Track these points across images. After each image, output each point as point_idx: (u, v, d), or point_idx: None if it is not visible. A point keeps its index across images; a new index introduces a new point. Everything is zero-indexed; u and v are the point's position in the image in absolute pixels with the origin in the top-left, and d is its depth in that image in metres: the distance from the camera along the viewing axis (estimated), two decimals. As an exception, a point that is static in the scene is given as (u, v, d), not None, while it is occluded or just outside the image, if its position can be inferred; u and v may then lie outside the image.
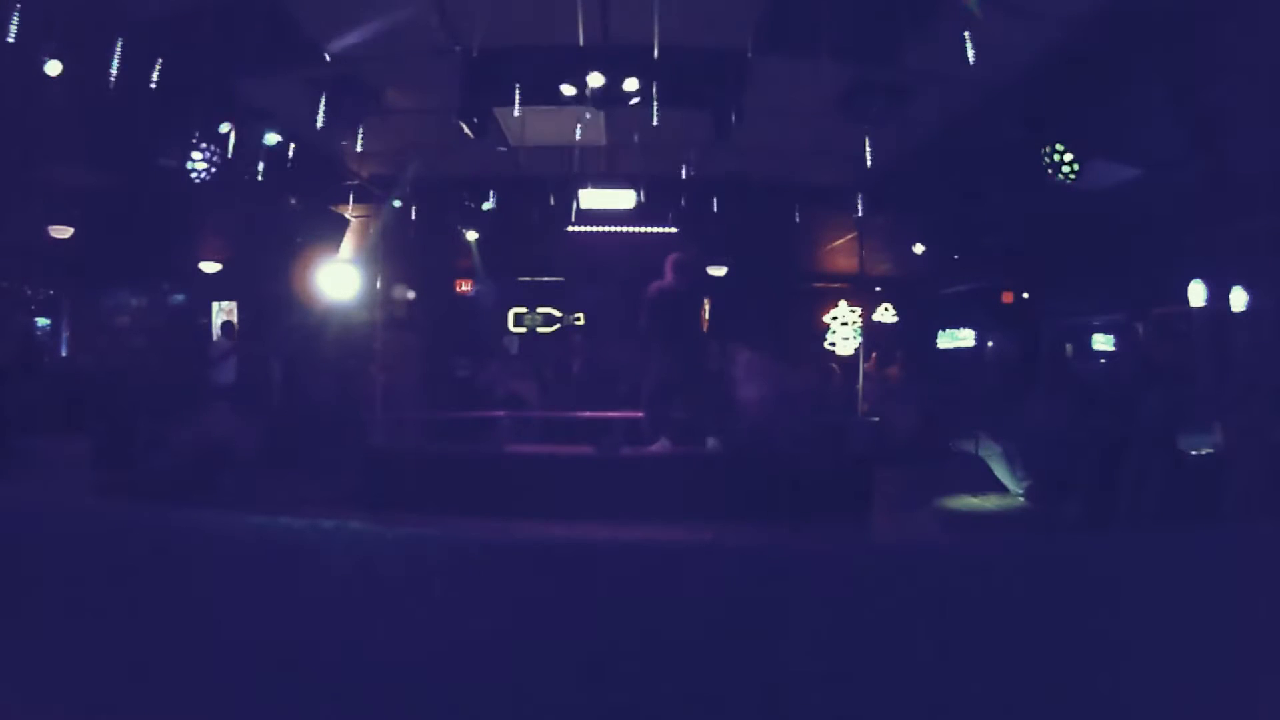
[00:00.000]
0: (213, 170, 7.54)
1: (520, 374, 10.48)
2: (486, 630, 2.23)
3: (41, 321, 10.96)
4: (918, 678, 2.16)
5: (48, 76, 5.84)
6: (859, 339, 12.04)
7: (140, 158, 7.74)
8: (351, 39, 6.30)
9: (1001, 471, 7.12)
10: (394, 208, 9.68)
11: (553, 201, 10.15)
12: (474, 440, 8.51)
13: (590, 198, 9.94)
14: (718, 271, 11.33)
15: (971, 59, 6.13)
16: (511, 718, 2.18)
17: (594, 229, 10.83)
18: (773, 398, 8.27)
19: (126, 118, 6.64)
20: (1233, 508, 5.14)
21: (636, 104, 6.89)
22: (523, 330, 12.91)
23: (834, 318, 13.07)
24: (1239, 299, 8.11)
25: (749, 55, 6.25)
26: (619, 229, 10.88)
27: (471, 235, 11.23)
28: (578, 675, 2.16)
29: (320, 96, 7.09)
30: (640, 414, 8.06)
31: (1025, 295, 12.15)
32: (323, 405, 9.07)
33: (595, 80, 6.59)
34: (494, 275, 12.25)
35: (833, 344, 12.91)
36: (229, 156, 7.60)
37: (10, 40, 5.39)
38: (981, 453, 7.34)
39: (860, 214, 10.30)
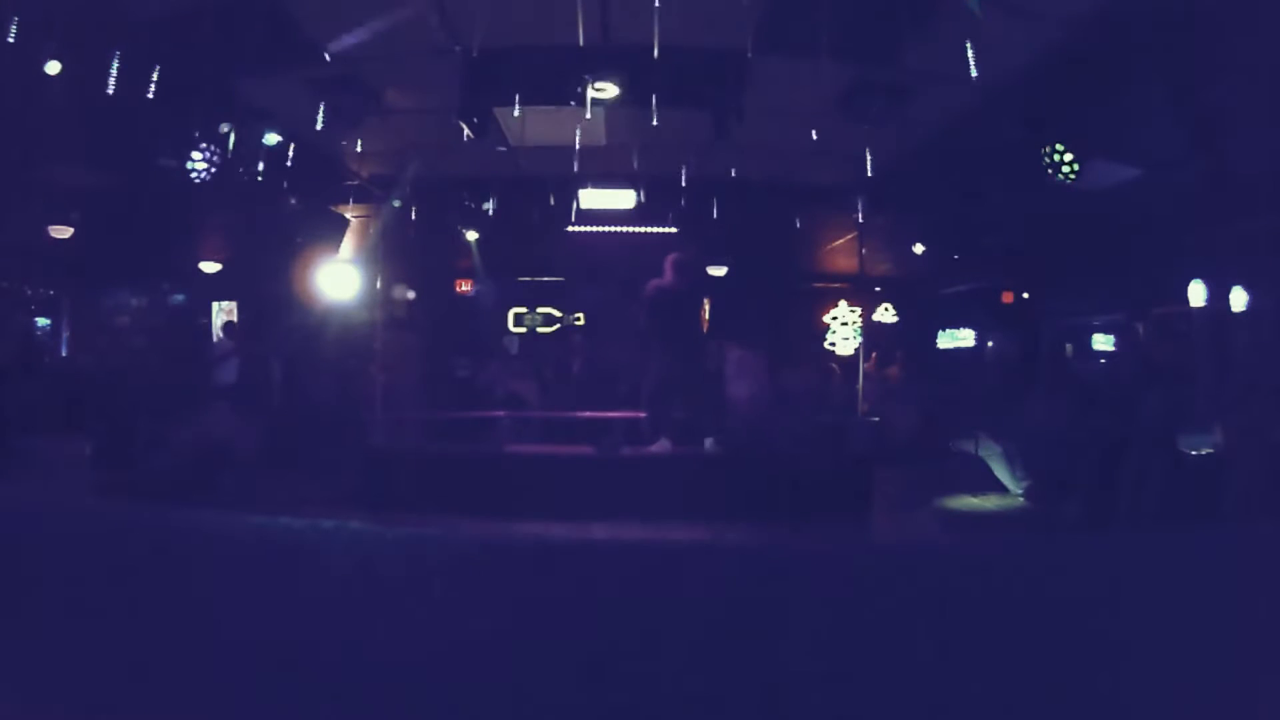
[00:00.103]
0: (213, 170, 7.53)
1: (520, 374, 10.48)
2: (486, 630, 2.23)
3: (41, 321, 10.96)
4: (918, 678, 2.16)
5: (48, 76, 5.84)
6: (859, 339, 12.05)
7: (140, 158, 7.74)
8: (351, 39, 6.30)
9: (1001, 471, 7.12)
10: (394, 208, 9.68)
11: (553, 201, 10.15)
12: (474, 440, 8.51)
13: (590, 198, 9.94)
14: (718, 271, 11.33)
15: (971, 59, 6.14)
16: (511, 718, 2.18)
17: (594, 229, 10.83)
18: (764, 395, 8.31)
19: (126, 118, 6.64)
20: (1233, 508, 5.13)
21: (636, 104, 6.89)
22: (523, 330, 12.91)
23: (834, 318, 13.07)
24: (1239, 299, 8.11)
25: (749, 55, 6.24)
26: (619, 229, 10.88)
27: (471, 235, 11.24)
28: (578, 675, 2.16)
29: (320, 96, 7.08)
30: (640, 414, 8.08)
31: (1025, 295, 12.15)
32: (323, 405, 9.07)
33: (595, 80, 6.59)
34: (494, 275, 12.25)
35: (833, 344, 12.91)
36: (229, 156, 7.60)
37: (10, 40, 5.38)
38: (981, 453, 7.33)
39: (860, 214, 10.30)
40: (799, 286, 13.16)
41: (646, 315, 7.14)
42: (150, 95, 6.43)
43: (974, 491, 6.96)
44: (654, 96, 6.73)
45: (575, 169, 9.29)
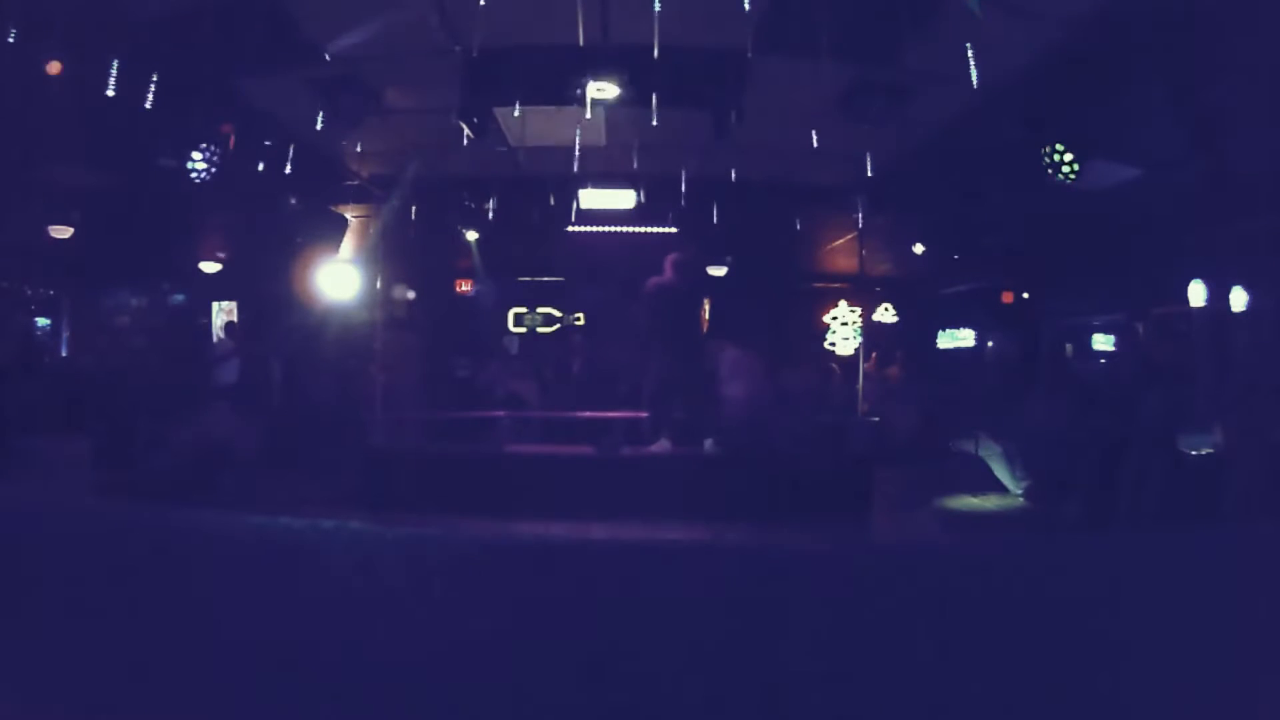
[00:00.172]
0: (213, 170, 7.53)
1: (520, 374, 10.48)
2: (486, 630, 2.23)
3: (41, 321, 10.96)
4: (918, 678, 2.16)
5: (48, 76, 5.84)
6: (859, 339, 12.05)
7: (140, 158, 7.74)
8: (351, 39, 6.30)
9: (1001, 471, 7.12)
10: (394, 208, 9.68)
11: (553, 201, 10.15)
12: (474, 440, 8.51)
13: (590, 198, 9.95)
14: (718, 271, 11.33)
15: (971, 59, 6.14)
16: (511, 718, 2.18)
17: (594, 229, 10.83)
18: (757, 395, 8.31)
19: (126, 118, 6.64)
20: (1233, 508, 5.14)
21: (636, 104, 6.89)
22: (523, 330, 12.91)
23: (834, 318, 13.07)
24: (1239, 299, 8.11)
25: (749, 55, 6.24)
26: (619, 229, 10.88)
27: (471, 235, 11.24)
28: (578, 675, 2.16)
29: (320, 96, 7.08)
30: (639, 414, 8.07)
31: (1025, 295, 12.15)
32: (323, 405, 9.07)
33: (595, 80, 6.59)
34: (494, 275, 12.25)
35: (833, 344, 12.91)
36: (229, 156, 7.60)
37: (10, 40, 5.38)
38: (981, 453, 7.34)
39: (860, 214, 10.30)
40: (799, 286, 13.16)
41: (646, 313, 7.14)
42: (150, 95, 6.43)
43: (974, 491, 6.96)
44: (654, 96, 6.73)
45: (575, 169, 9.29)
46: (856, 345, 11.95)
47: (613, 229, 10.89)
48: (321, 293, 8.86)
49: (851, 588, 2.25)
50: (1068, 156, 7.01)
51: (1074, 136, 6.98)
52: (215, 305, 11.85)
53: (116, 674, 2.37)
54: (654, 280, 7.20)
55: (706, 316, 7.59)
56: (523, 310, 12.99)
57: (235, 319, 11.44)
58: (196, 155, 7.45)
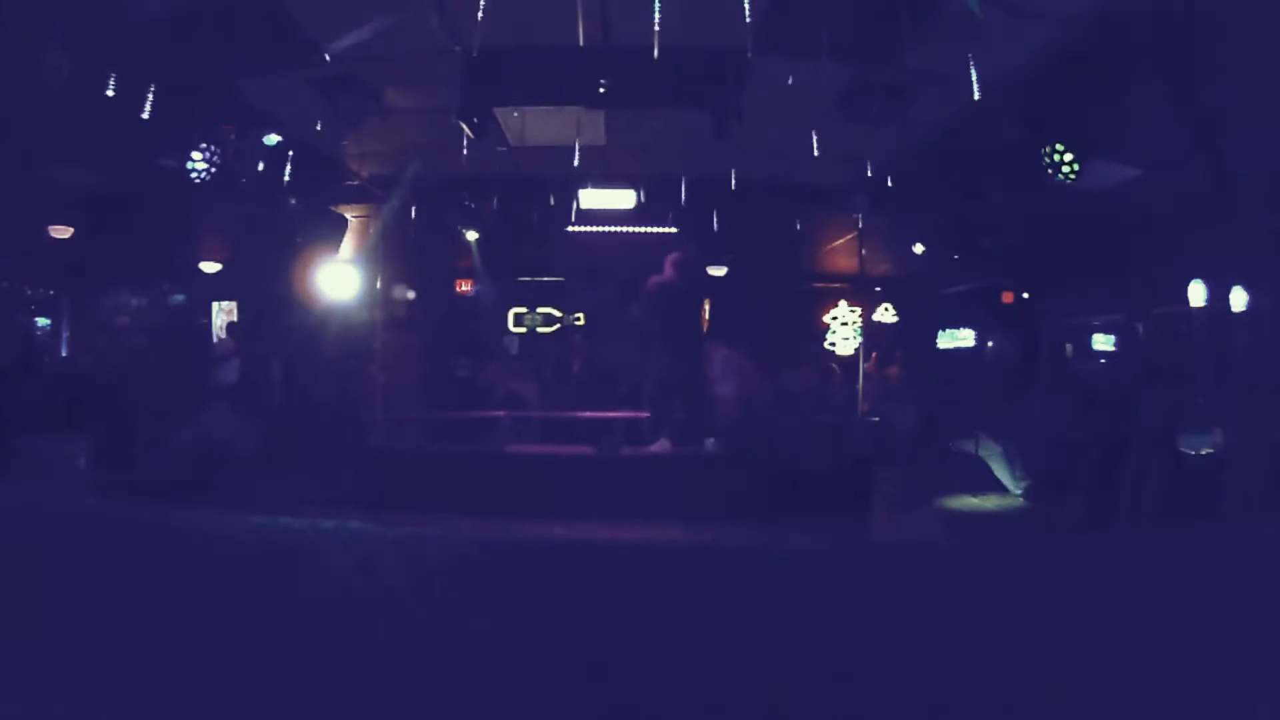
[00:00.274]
0: (213, 170, 7.53)
1: (520, 374, 10.48)
2: (486, 630, 2.23)
3: (41, 321, 10.96)
4: (918, 678, 2.16)
5: (48, 76, 5.84)
6: (859, 339, 12.05)
7: (140, 158, 7.74)
8: (351, 39, 6.30)
9: (1001, 471, 7.12)
10: (394, 208, 9.68)
11: (553, 201, 10.14)
12: (474, 440, 8.51)
13: (590, 198, 9.94)
14: (718, 271, 11.33)
15: (971, 59, 6.14)
16: (511, 718, 2.18)
17: (594, 229, 10.83)
18: (748, 394, 8.32)
19: (126, 118, 6.64)
20: (1233, 508, 5.14)
21: (636, 104, 6.89)
22: (523, 330, 12.91)
23: (834, 318, 13.07)
24: (1239, 299, 8.11)
25: (749, 55, 6.24)
26: (619, 229, 10.88)
27: (471, 235, 11.24)
28: (578, 675, 2.16)
29: (320, 96, 7.08)
30: (639, 413, 8.08)
31: (1025, 295, 12.15)
32: (323, 405, 9.07)
33: (595, 80, 6.59)
34: (494, 275, 12.25)
35: (833, 344, 12.91)
36: (229, 156, 7.60)
37: (10, 40, 5.38)
38: (981, 453, 7.34)
39: (860, 214, 10.30)
40: (799, 286, 13.15)
41: (646, 312, 7.15)
42: (150, 95, 6.43)
43: (974, 491, 6.96)
44: (654, 96, 6.73)
45: (575, 169, 9.29)
46: (856, 345, 11.95)
47: (613, 229, 10.88)
48: (321, 293, 8.87)
49: (851, 588, 2.25)
50: (1068, 156, 7.01)
51: (1074, 136, 6.99)
52: (215, 305, 11.85)
53: (116, 674, 2.37)
54: (654, 279, 7.20)
55: (706, 316, 7.60)
56: (523, 310, 12.99)
57: (235, 319, 11.44)
58: (196, 155, 7.45)
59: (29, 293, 10.82)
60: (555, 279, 12.90)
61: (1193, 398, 6.98)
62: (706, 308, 7.63)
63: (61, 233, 9.55)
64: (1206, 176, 7.09)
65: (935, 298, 12.76)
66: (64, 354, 11.02)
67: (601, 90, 6.66)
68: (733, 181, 9.53)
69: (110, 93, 6.08)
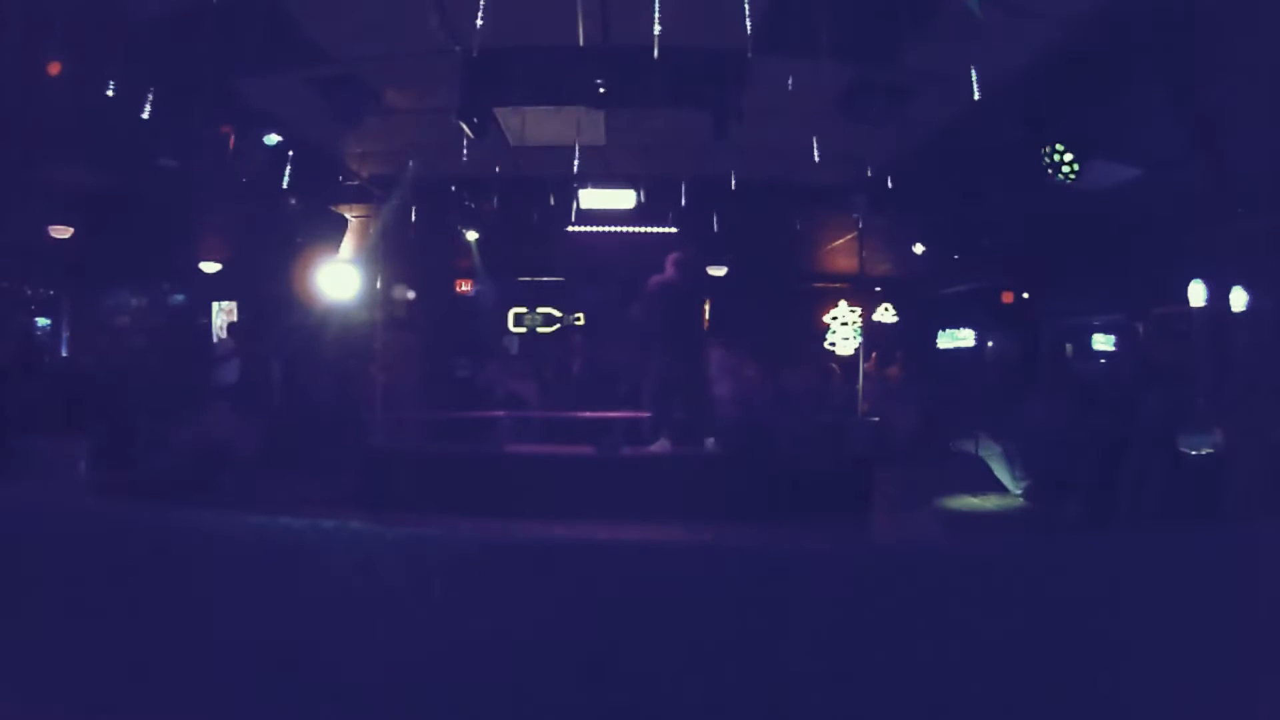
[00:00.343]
0: (213, 170, 7.54)
1: (520, 374, 10.49)
2: (486, 630, 2.23)
3: (41, 321, 10.95)
4: (918, 678, 2.16)
5: (48, 76, 5.84)
6: (859, 339, 12.05)
7: (140, 158, 7.74)
8: (351, 39, 6.30)
9: (1001, 471, 7.13)
10: (394, 208, 9.68)
11: (553, 201, 10.14)
12: (474, 440, 8.51)
13: (590, 198, 9.94)
14: (718, 271, 11.34)
15: (971, 59, 6.14)
16: (511, 718, 2.18)
17: (594, 229, 10.83)
18: (743, 394, 8.33)
19: (126, 118, 6.64)
20: (1233, 508, 5.14)
21: (636, 104, 6.89)
22: (523, 330, 12.91)
23: (834, 318, 13.07)
24: (1239, 299, 8.11)
25: (749, 55, 6.24)
26: (619, 229, 10.88)
27: (471, 235, 11.24)
28: (578, 675, 2.16)
29: (320, 96, 7.08)
30: (639, 413, 8.08)
31: (1025, 295, 12.15)
32: (323, 405, 9.07)
33: (595, 80, 6.59)
34: (494, 275, 12.25)
35: (833, 344, 12.91)
36: (229, 156, 7.60)
37: (10, 40, 5.38)
38: (981, 453, 7.34)
39: (860, 214, 10.29)
40: (799, 286, 13.15)
41: (647, 312, 7.15)
42: (150, 95, 6.42)
43: (974, 491, 6.96)
44: (654, 96, 6.73)
45: (575, 169, 9.28)
46: (856, 345, 11.95)
47: (613, 229, 10.88)
48: (321, 293, 8.87)
49: (851, 588, 2.25)
50: (1068, 156, 7.01)
51: (1074, 136, 6.98)
52: (215, 305, 11.85)
53: (116, 674, 2.37)
54: (656, 279, 7.21)
55: (707, 316, 7.60)
56: (523, 310, 13.00)
57: (236, 319, 11.44)
58: (196, 155, 7.45)
59: (29, 293, 10.82)
60: (555, 279, 12.90)
61: (1193, 398, 6.98)
62: (707, 308, 7.62)
63: (61, 233, 9.55)
64: (1206, 176, 7.09)
65: (935, 298, 12.77)
66: (64, 354, 11.02)
67: (601, 90, 6.66)
68: (733, 181, 9.53)
69: (110, 93, 6.08)
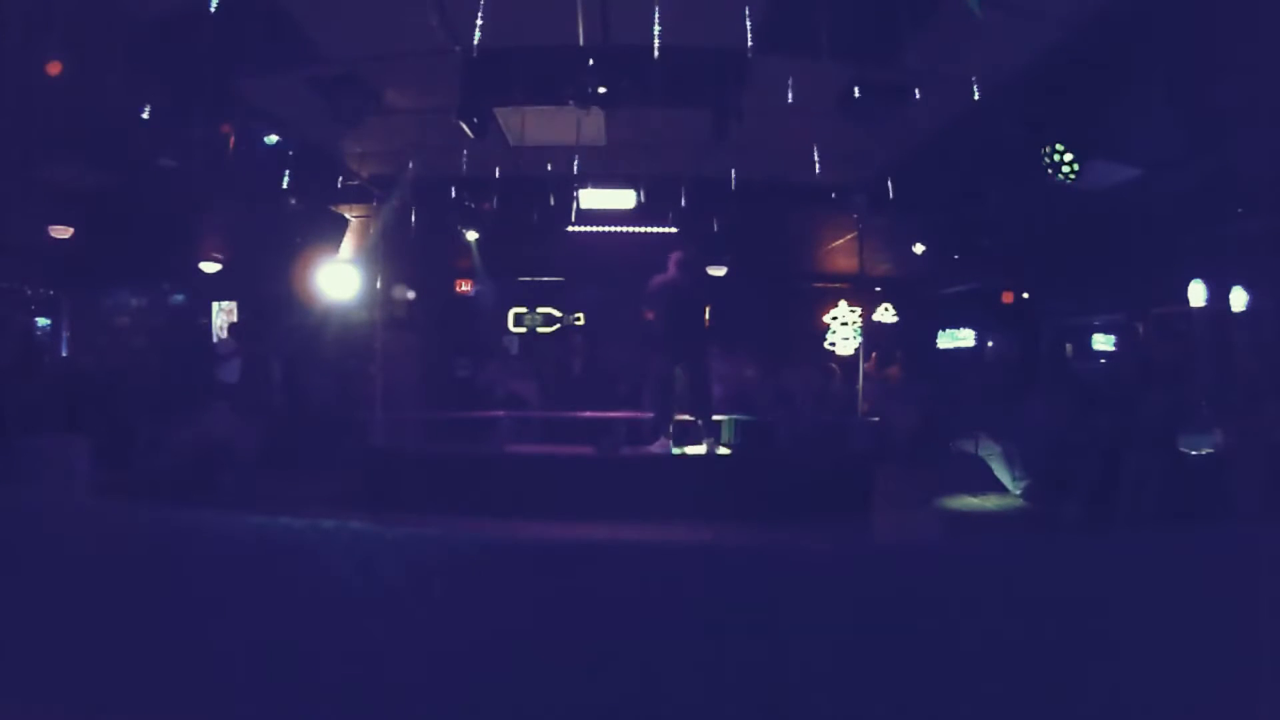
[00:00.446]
0: (212, 170, 7.54)
1: (520, 374, 10.49)
2: (486, 630, 2.23)
3: (41, 321, 10.95)
4: (918, 677, 2.16)
5: (48, 76, 5.84)
6: (859, 339, 12.05)
7: (140, 158, 7.74)
8: (352, 39, 6.30)
9: (1001, 471, 7.13)
10: (394, 208, 9.68)
11: (553, 201, 10.15)
12: (474, 440, 8.52)
13: (590, 198, 9.94)
14: (718, 271, 11.34)
15: (971, 59, 6.14)
16: (511, 718, 2.18)
17: (594, 229, 10.83)
18: (733, 396, 8.33)
19: (126, 118, 6.64)
20: (1233, 508, 5.14)
21: (636, 104, 6.89)
22: (523, 330, 12.91)
23: (834, 318, 13.07)
24: (1239, 299, 8.11)
25: (749, 55, 6.24)
26: (619, 229, 10.88)
27: (471, 235, 11.24)
28: (578, 675, 2.16)
29: (320, 96, 7.09)
30: (639, 414, 8.08)
31: (1025, 295, 12.14)
32: (323, 405, 9.08)
33: (595, 80, 6.59)
34: (494, 275, 12.25)
35: (833, 344, 12.91)
36: (229, 156, 7.60)
37: (10, 40, 5.38)
38: (981, 453, 7.34)
39: (860, 214, 10.29)
40: (799, 286, 13.15)
41: (650, 310, 7.17)
42: (150, 95, 6.42)
43: (974, 491, 6.97)
44: (654, 96, 6.73)
45: (575, 169, 9.29)
46: (856, 345, 11.95)
47: (613, 229, 10.88)
48: (321, 293, 8.87)
49: (851, 588, 2.25)
50: (1068, 156, 7.01)
51: (1074, 136, 6.98)
52: (215, 305, 11.85)
53: (116, 674, 2.37)
54: (658, 278, 7.22)
55: (708, 317, 7.60)
56: (523, 310, 12.99)
57: (236, 319, 11.44)
58: (196, 155, 7.45)
59: (29, 293, 10.82)
60: (555, 279, 12.90)
61: (1193, 398, 6.98)
62: (708, 310, 7.62)
63: (61, 233, 9.54)
64: (1206, 176, 7.09)
65: (935, 298, 12.76)
66: (64, 354, 11.01)
67: (601, 90, 6.66)
68: (733, 181, 9.53)
69: (110, 93, 6.08)
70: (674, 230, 10.62)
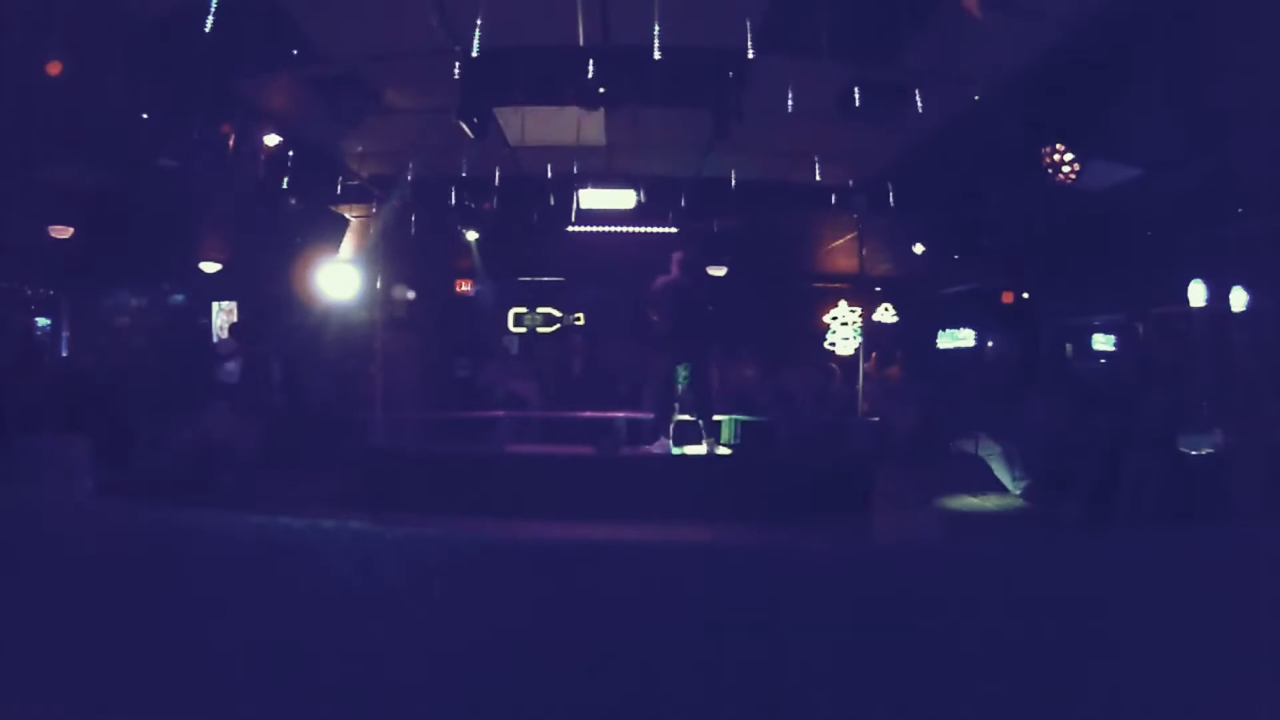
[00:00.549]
0: (213, 170, 7.54)
1: (520, 374, 10.49)
2: (486, 630, 2.23)
3: (41, 321, 10.95)
4: (918, 678, 2.16)
5: (48, 76, 5.84)
6: (859, 339, 12.05)
7: (140, 158, 7.74)
8: (351, 39, 6.30)
9: (1001, 471, 7.13)
10: (394, 208, 9.68)
11: (553, 201, 10.15)
12: (474, 440, 8.52)
13: (590, 198, 9.95)
14: (718, 271, 11.34)
15: (971, 59, 6.14)
16: (511, 718, 2.18)
17: (594, 229, 10.84)
18: (745, 395, 8.32)
19: (126, 118, 6.64)
20: (1233, 508, 5.14)
21: (636, 104, 6.89)
22: (523, 330, 12.92)
23: (834, 318, 13.07)
24: (1239, 299, 8.11)
25: (749, 55, 6.24)
26: (619, 229, 10.88)
27: (471, 235, 11.24)
28: (578, 675, 2.16)
29: (320, 96, 7.09)
30: (639, 414, 8.08)
31: (1025, 295, 12.15)
32: (323, 405, 9.08)
33: (595, 80, 6.59)
34: (494, 275, 12.25)
35: (833, 344, 12.91)
36: (229, 156, 7.60)
37: (10, 40, 5.38)
38: (981, 453, 7.35)
39: (860, 214, 10.30)
40: (799, 286, 13.15)
41: (653, 310, 7.17)
42: (150, 95, 6.42)
43: (974, 491, 6.97)
44: (654, 96, 6.73)
45: (575, 169, 9.29)
46: (856, 345, 11.95)
47: (613, 229, 10.89)
48: (321, 293, 8.87)
49: (851, 588, 2.25)
50: (1068, 156, 7.01)
51: (1074, 136, 6.98)
52: (215, 305, 11.84)
53: (116, 674, 2.37)
54: (662, 279, 7.22)
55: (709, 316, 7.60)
56: (523, 310, 13.00)
57: (236, 319, 11.44)
58: (197, 155, 7.44)
59: (29, 293, 10.81)
60: (555, 279, 12.90)
61: (1193, 398, 6.98)
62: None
63: (61, 233, 9.54)
64: (1206, 176, 7.09)
65: (935, 298, 12.76)
66: (64, 354, 11.01)
67: (601, 90, 6.66)
68: (733, 181, 9.53)
69: (110, 93, 6.08)
70: (674, 230, 10.62)
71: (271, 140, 7.99)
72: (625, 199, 9.94)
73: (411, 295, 11.97)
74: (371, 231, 10.48)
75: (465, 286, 12.72)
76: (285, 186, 8.80)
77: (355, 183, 9.99)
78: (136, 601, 2.43)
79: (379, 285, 9.66)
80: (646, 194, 9.88)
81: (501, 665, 2.20)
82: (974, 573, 2.30)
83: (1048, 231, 9.38)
